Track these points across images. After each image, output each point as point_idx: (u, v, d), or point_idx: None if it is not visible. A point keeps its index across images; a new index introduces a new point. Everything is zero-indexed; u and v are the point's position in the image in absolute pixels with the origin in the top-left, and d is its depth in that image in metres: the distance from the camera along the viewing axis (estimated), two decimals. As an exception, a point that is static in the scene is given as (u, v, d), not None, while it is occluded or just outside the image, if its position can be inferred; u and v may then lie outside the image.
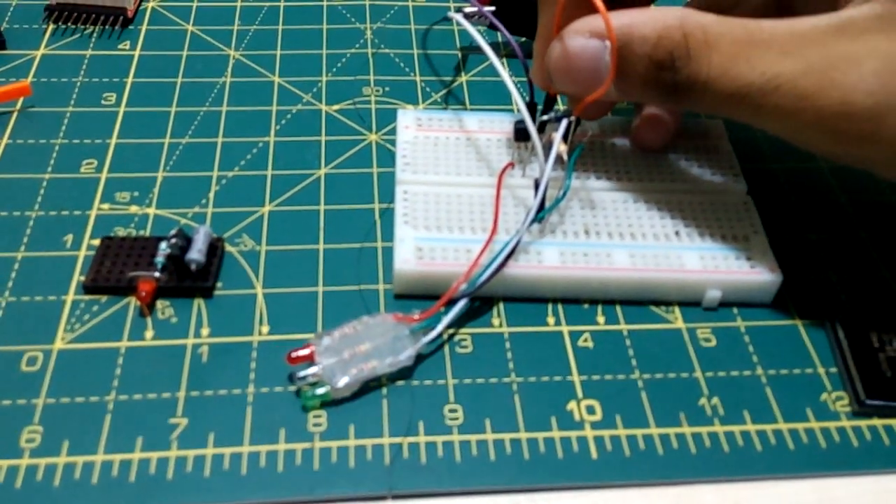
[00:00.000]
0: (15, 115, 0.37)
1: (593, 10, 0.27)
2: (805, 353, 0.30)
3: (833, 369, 0.30)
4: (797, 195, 0.36)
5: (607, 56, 0.28)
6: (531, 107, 0.33)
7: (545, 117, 0.32)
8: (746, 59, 0.26)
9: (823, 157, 0.36)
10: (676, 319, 0.31)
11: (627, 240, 0.32)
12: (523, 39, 0.42)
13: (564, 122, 0.31)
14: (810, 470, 0.27)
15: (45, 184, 0.34)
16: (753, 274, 0.31)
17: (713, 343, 0.30)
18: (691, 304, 0.32)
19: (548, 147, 0.32)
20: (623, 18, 0.27)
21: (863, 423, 0.28)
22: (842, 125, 0.26)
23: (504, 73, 0.32)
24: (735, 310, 0.32)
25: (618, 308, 0.31)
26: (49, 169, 0.35)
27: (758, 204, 0.33)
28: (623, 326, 0.31)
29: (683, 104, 0.28)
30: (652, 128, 0.34)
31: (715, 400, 0.29)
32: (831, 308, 0.31)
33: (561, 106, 0.38)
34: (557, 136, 0.31)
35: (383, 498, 0.26)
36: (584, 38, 0.28)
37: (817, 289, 0.32)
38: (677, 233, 0.32)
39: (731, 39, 0.26)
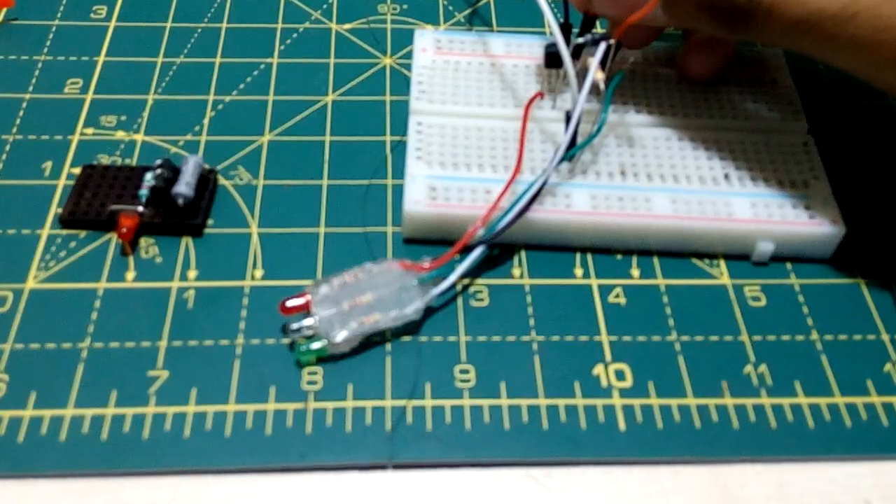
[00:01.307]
0: (-4, 28, 0.34)
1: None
2: (867, 316, 0.27)
3: (899, 336, 0.26)
4: (865, 137, 0.32)
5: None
6: (565, 28, 0.29)
7: (580, 40, 0.28)
8: None
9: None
10: (722, 274, 0.28)
11: (669, 183, 0.28)
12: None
13: (602, 47, 0.28)
14: (868, 451, 0.24)
15: (25, 104, 0.31)
16: (812, 225, 0.27)
17: (763, 302, 0.27)
18: (739, 257, 0.28)
19: (582, 75, 0.28)
20: None
21: (932, 399, 0.25)
22: None
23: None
24: (789, 265, 0.28)
25: (655, 260, 0.28)
26: (30, 88, 0.32)
27: (820, 146, 0.30)
28: (660, 281, 0.27)
29: (742, 33, 0.24)
30: (701, 55, 0.31)
31: (762, 368, 0.25)
32: (900, 267, 0.28)
33: (600, 28, 0.34)
34: (594, 63, 0.27)
35: (383, 467, 0.23)
36: None
37: (884, 244, 0.29)
38: (727, 176, 0.28)
39: None
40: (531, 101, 0.29)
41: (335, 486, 0.23)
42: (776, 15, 0.24)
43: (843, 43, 0.23)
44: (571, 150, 0.28)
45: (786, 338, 0.26)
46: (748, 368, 0.25)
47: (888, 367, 0.26)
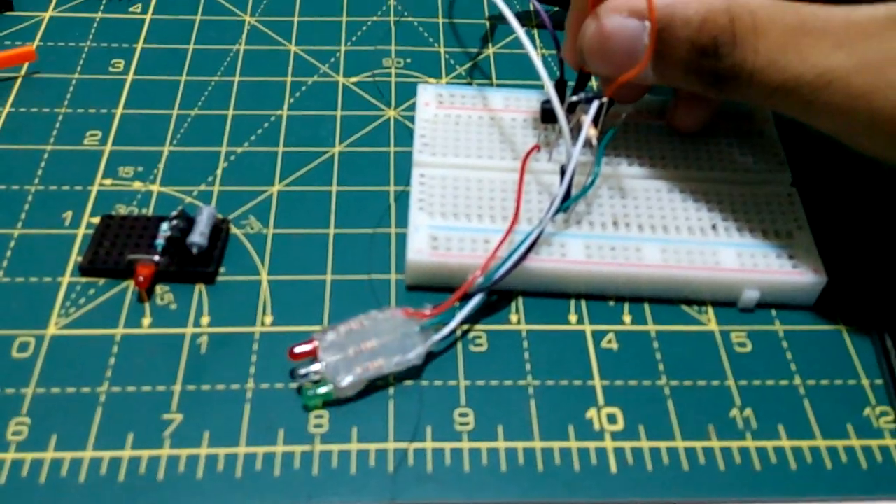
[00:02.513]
0: (19, 81, 0.36)
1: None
2: (848, 361, 0.28)
3: (878, 381, 0.27)
4: (847, 188, 0.33)
5: (646, 37, 0.25)
6: (560, 85, 0.31)
7: (575, 97, 0.30)
8: (797, 50, 0.24)
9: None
10: (709, 321, 0.29)
11: (659, 233, 0.29)
12: (556, 9, 0.39)
13: (595, 104, 0.29)
14: (849, 493, 0.25)
15: (46, 156, 0.33)
16: (795, 274, 0.29)
17: (748, 348, 0.28)
18: (726, 304, 0.29)
19: (577, 130, 0.29)
20: None
21: (910, 443, 0.26)
22: None
23: (530, 48, 0.30)
24: (773, 312, 0.29)
25: (646, 307, 0.29)
26: (51, 140, 0.33)
27: (803, 197, 0.31)
28: (651, 327, 0.29)
29: (726, 94, 0.26)
30: (690, 110, 0.32)
31: (748, 412, 0.27)
32: (879, 314, 0.29)
33: (595, 84, 0.36)
34: (587, 120, 0.29)
35: (386, 507, 0.24)
36: (621, 17, 0.26)
37: (865, 292, 0.30)
38: (714, 227, 0.30)
39: (782, 27, 0.24)
40: (528, 153, 0.31)
41: (340, 525, 0.24)
42: (757, 80, 0.25)
43: (819, 108, 0.24)
44: (567, 202, 0.29)
45: (770, 382, 0.27)
46: (734, 412, 0.27)
47: (867, 411, 0.27)
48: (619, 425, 0.26)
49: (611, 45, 0.27)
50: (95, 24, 0.38)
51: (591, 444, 0.26)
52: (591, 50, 0.28)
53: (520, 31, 0.30)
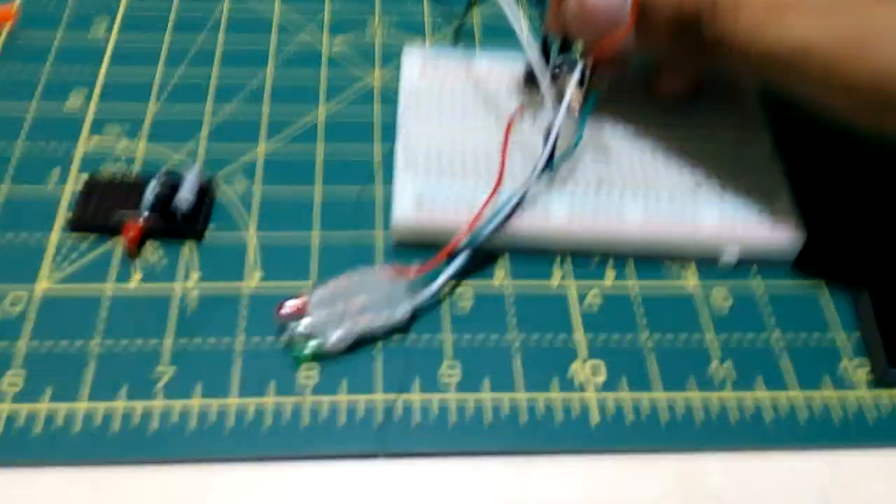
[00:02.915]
0: (0, 41, 0.35)
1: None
2: (826, 317, 0.29)
3: (855, 335, 0.28)
4: (825, 149, 0.34)
5: (628, 7, 0.26)
6: (543, 49, 0.31)
7: (559, 61, 0.30)
8: (776, 21, 0.24)
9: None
10: (691, 278, 0.30)
11: (642, 193, 0.30)
12: (541, -28, 0.39)
13: (579, 68, 0.29)
14: (824, 442, 0.26)
15: (30, 115, 0.33)
16: (775, 232, 0.29)
17: (729, 304, 0.29)
18: (708, 262, 0.30)
19: (561, 94, 0.30)
20: None
21: (883, 394, 0.27)
22: (873, 97, 0.24)
23: (511, 12, 0.30)
24: (754, 268, 0.30)
25: (629, 264, 0.30)
26: (35, 99, 0.33)
27: (783, 157, 0.31)
28: (634, 283, 0.29)
29: (706, 63, 0.26)
30: (673, 77, 0.32)
31: (727, 365, 0.27)
32: (858, 271, 0.30)
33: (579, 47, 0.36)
34: (571, 83, 0.29)
35: (374, 456, 0.25)
36: None
37: (843, 250, 0.30)
38: (695, 187, 0.30)
39: None
40: (513, 116, 0.31)
41: (331, 473, 0.24)
42: (737, 49, 0.26)
43: (798, 77, 0.25)
44: (550, 164, 0.29)
45: (749, 336, 0.28)
46: (713, 365, 0.27)
47: (844, 363, 0.28)
48: (602, 377, 0.27)
49: (593, 14, 0.27)
50: (78, -17, 0.38)
51: (575, 396, 0.26)
52: (573, 19, 0.28)
53: (505, -8, 0.30)
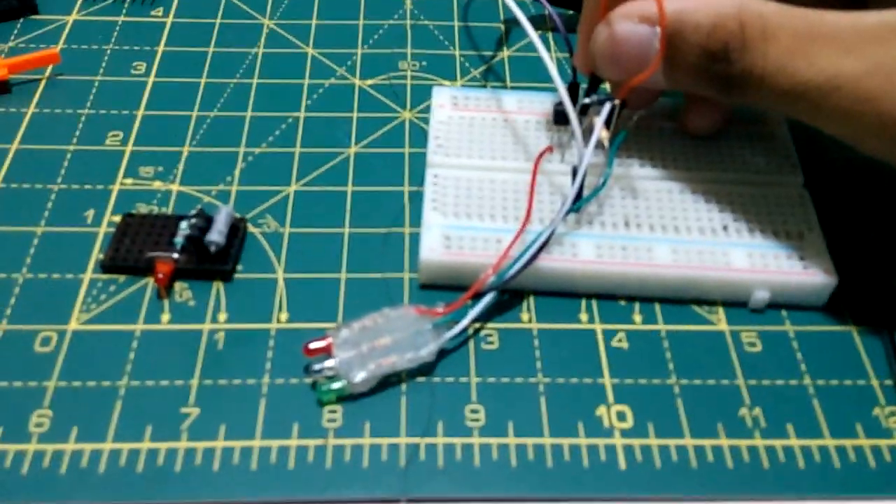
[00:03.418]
0: (43, 83, 0.36)
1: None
2: (858, 362, 0.28)
3: (888, 382, 0.28)
4: (858, 190, 0.33)
5: (656, 43, 0.26)
6: (573, 88, 0.31)
7: (587, 100, 0.30)
8: (805, 55, 0.24)
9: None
10: (720, 321, 0.29)
11: (670, 233, 0.30)
12: (569, 12, 0.39)
13: (608, 106, 0.29)
14: (857, 492, 0.25)
15: (69, 156, 0.34)
16: (806, 275, 0.29)
17: (758, 348, 0.28)
18: (737, 304, 0.29)
19: (589, 131, 0.30)
20: (676, 3, 0.26)
21: (919, 443, 0.26)
22: None
23: (543, 52, 0.30)
24: (784, 312, 0.29)
25: (656, 306, 0.29)
26: (74, 140, 0.34)
27: (815, 198, 0.31)
28: (661, 326, 0.29)
29: (736, 98, 0.26)
30: (702, 113, 0.32)
31: (757, 410, 0.27)
32: (889, 314, 0.29)
33: (607, 87, 0.36)
34: (599, 121, 0.29)
35: (397, 501, 0.25)
36: (632, 23, 0.27)
37: (875, 293, 0.30)
38: (725, 227, 0.30)
39: (791, 32, 0.24)
40: (541, 155, 0.31)
41: (353, 518, 0.24)
42: (767, 85, 0.25)
43: (829, 112, 0.25)
44: (578, 203, 0.29)
45: (780, 382, 0.28)
46: (743, 411, 0.27)
47: (877, 410, 0.27)
48: (629, 423, 0.26)
49: (622, 50, 0.27)
50: (118, 28, 0.39)
51: (601, 441, 0.26)
52: (602, 55, 0.28)
53: (533, 34, 0.31)
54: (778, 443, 0.26)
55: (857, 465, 0.26)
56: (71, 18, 0.40)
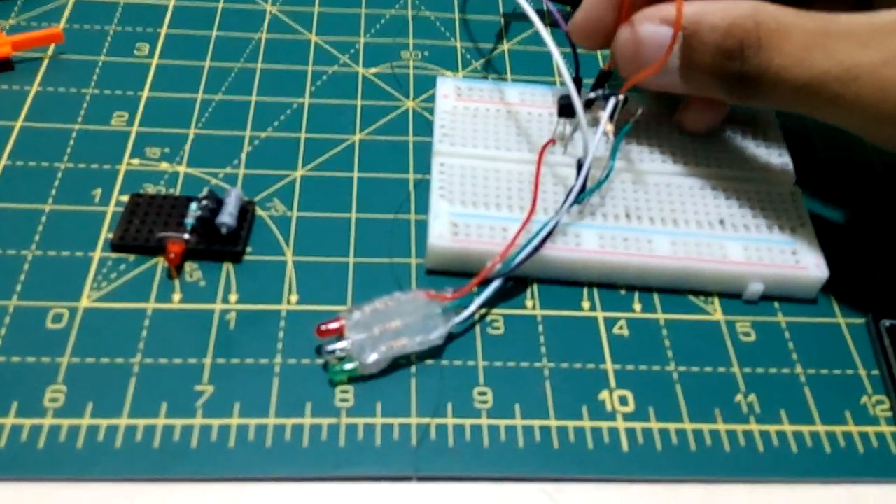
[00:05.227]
0: (46, 61, 0.36)
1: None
2: (847, 353, 0.29)
3: (875, 372, 0.29)
4: (847, 188, 0.35)
5: (677, 45, 0.27)
6: (576, 82, 0.32)
7: (592, 95, 0.31)
8: (822, 48, 0.25)
9: (878, 151, 0.34)
10: (716, 311, 0.30)
11: (670, 226, 0.31)
12: (568, 8, 0.40)
13: (613, 101, 0.30)
14: (846, 475, 0.26)
15: (74, 134, 0.34)
16: (798, 269, 0.30)
17: (752, 338, 0.30)
18: (732, 296, 0.31)
19: (593, 125, 0.30)
20: (695, 6, 0.27)
21: (903, 430, 0.27)
22: None
23: (552, 45, 0.31)
24: (777, 304, 0.31)
25: (655, 296, 0.30)
26: (79, 119, 0.34)
27: (806, 195, 0.32)
28: (660, 315, 0.30)
29: (751, 97, 0.27)
30: (700, 113, 0.33)
31: (751, 397, 0.28)
32: (877, 308, 0.30)
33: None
34: (604, 115, 0.30)
35: (408, 479, 0.25)
36: (654, 25, 0.28)
37: (863, 287, 0.31)
38: (721, 221, 0.31)
39: (806, 29, 0.25)
40: (544, 147, 0.32)
41: (365, 495, 0.25)
42: (783, 79, 0.26)
43: (847, 103, 0.25)
44: (582, 195, 0.30)
45: (773, 370, 0.29)
46: (738, 397, 0.28)
47: (864, 399, 0.28)
48: (630, 407, 0.27)
49: (643, 50, 0.28)
50: (120, 8, 0.39)
51: (604, 424, 0.27)
52: (624, 55, 0.29)
53: (541, 28, 0.32)
54: (772, 428, 0.27)
55: (846, 450, 0.27)
56: (72, -3, 0.40)
